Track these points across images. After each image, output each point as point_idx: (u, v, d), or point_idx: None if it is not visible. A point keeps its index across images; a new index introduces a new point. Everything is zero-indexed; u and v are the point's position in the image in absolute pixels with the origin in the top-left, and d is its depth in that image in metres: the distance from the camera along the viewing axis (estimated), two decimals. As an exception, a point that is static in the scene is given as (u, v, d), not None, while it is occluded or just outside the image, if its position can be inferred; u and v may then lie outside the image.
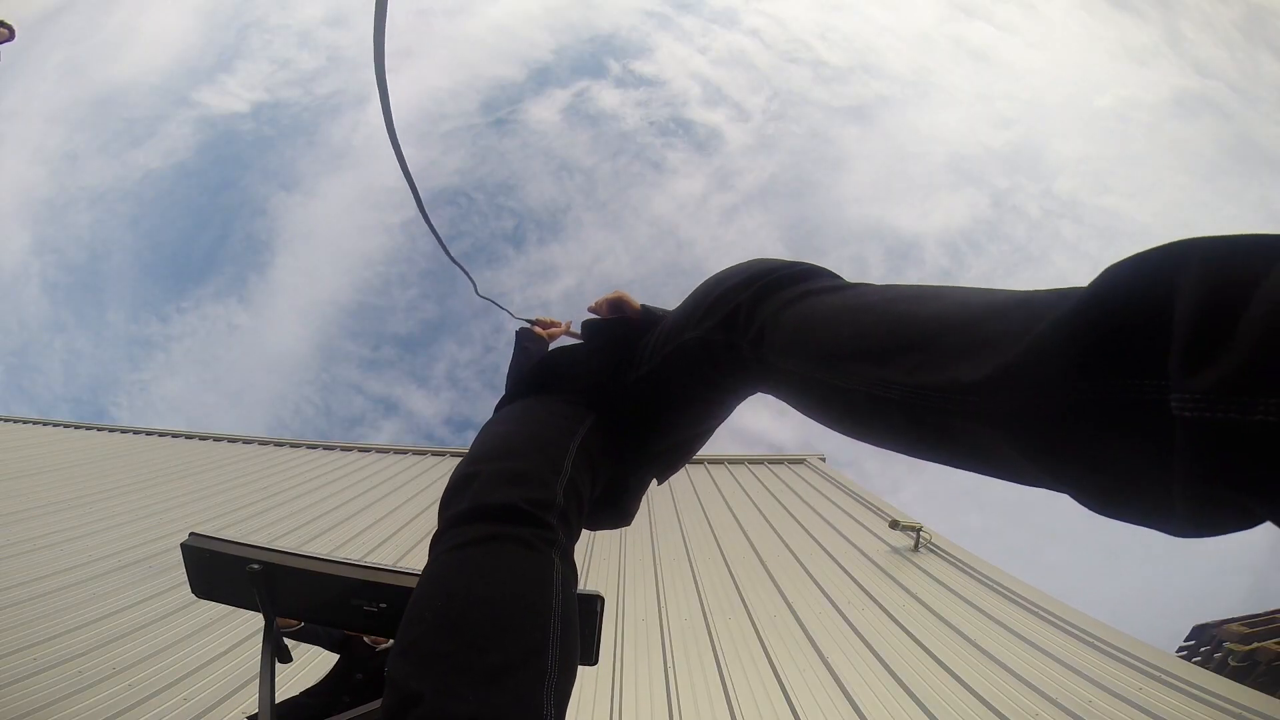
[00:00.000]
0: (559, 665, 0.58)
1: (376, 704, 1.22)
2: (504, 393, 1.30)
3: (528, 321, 1.51)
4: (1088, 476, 0.40)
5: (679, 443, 1.07)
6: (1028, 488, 0.48)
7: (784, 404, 0.76)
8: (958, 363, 0.46)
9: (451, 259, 1.52)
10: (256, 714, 1.19)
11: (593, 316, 1.33)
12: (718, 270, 0.90)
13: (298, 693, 1.84)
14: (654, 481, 1.12)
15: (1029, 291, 0.48)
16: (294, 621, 1.53)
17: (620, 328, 1.07)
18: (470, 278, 1.74)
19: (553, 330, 1.50)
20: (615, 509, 1.06)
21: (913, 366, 0.50)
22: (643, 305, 1.31)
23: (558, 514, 0.70)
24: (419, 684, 0.53)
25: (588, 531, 1.03)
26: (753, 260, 0.84)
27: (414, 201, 1.24)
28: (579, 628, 0.65)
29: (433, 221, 1.33)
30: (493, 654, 0.54)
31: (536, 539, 0.65)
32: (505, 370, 1.47)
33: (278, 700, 1.63)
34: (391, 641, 1.75)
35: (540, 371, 1.06)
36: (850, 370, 0.57)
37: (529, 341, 1.42)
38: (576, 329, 1.61)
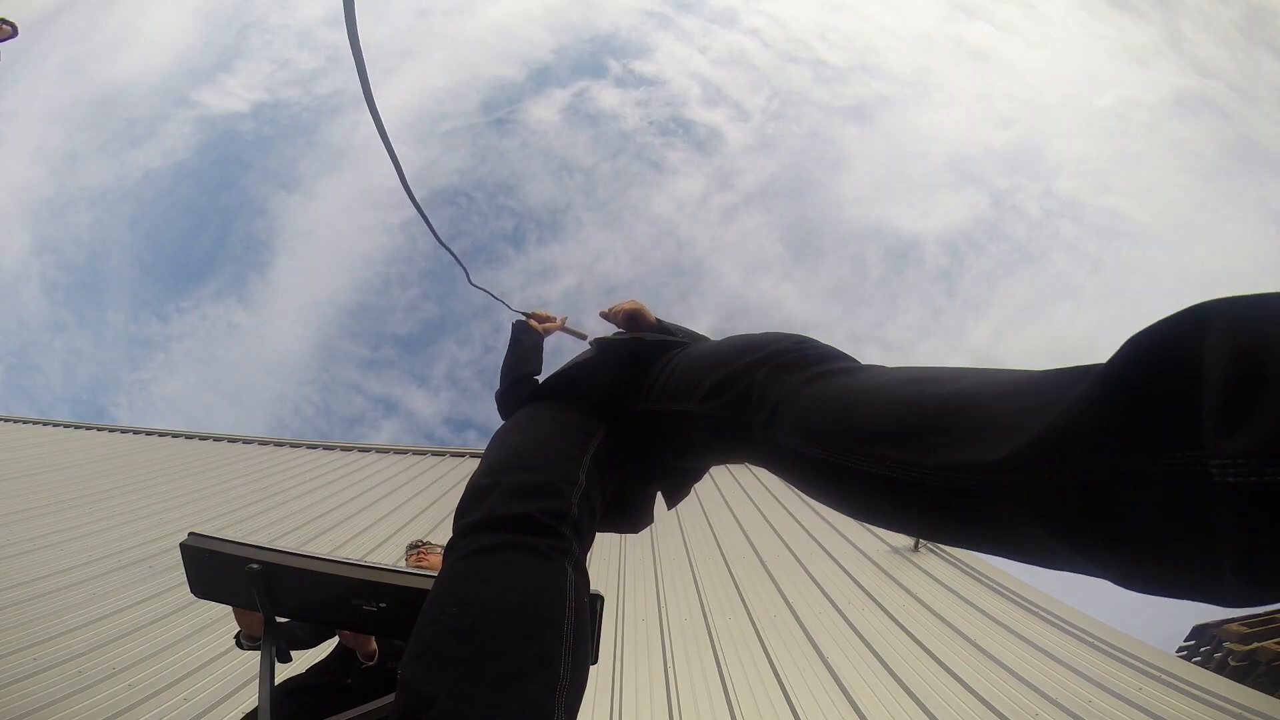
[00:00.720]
0: (571, 673, 0.58)
1: (377, 704, 1.22)
2: (499, 385, 1.30)
3: (523, 315, 1.49)
4: (1124, 553, 0.38)
5: (684, 469, 1.08)
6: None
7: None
8: (980, 442, 0.45)
9: (443, 245, 1.50)
10: (255, 710, 1.19)
11: (608, 330, 1.33)
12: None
13: (302, 671, 1.83)
14: (665, 503, 1.14)
15: (1050, 370, 0.47)
16: (255, 634, 1.51)
17: (635, 348, 1.08)
18: (463, 266, 1.72)
19: (548, 325, 1.49)
20: (622, 518, 1.08)
21: (933, 446, 0.49)
22: (658, 320, 1.31)
23: (571, 525, 0.71)
24: (433, 688, 0.54)
25: None
26: (770, 334, 0.84)
27: (400, 183, 1.24)
28: (589, 634, 0.67)
29: (421, 207, 1.33)
30: (505, 660, 0.55)
31: (550, 549, 0.66)
32: (514, 324, 1.46)
33: (279, 682, 1.63)
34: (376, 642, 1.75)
35: (555, 381, 1.07)
36: (868, 452, 0.55)
37: (523, 334, 1.41)
38: (573, 325, 1.61)
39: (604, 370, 1.05)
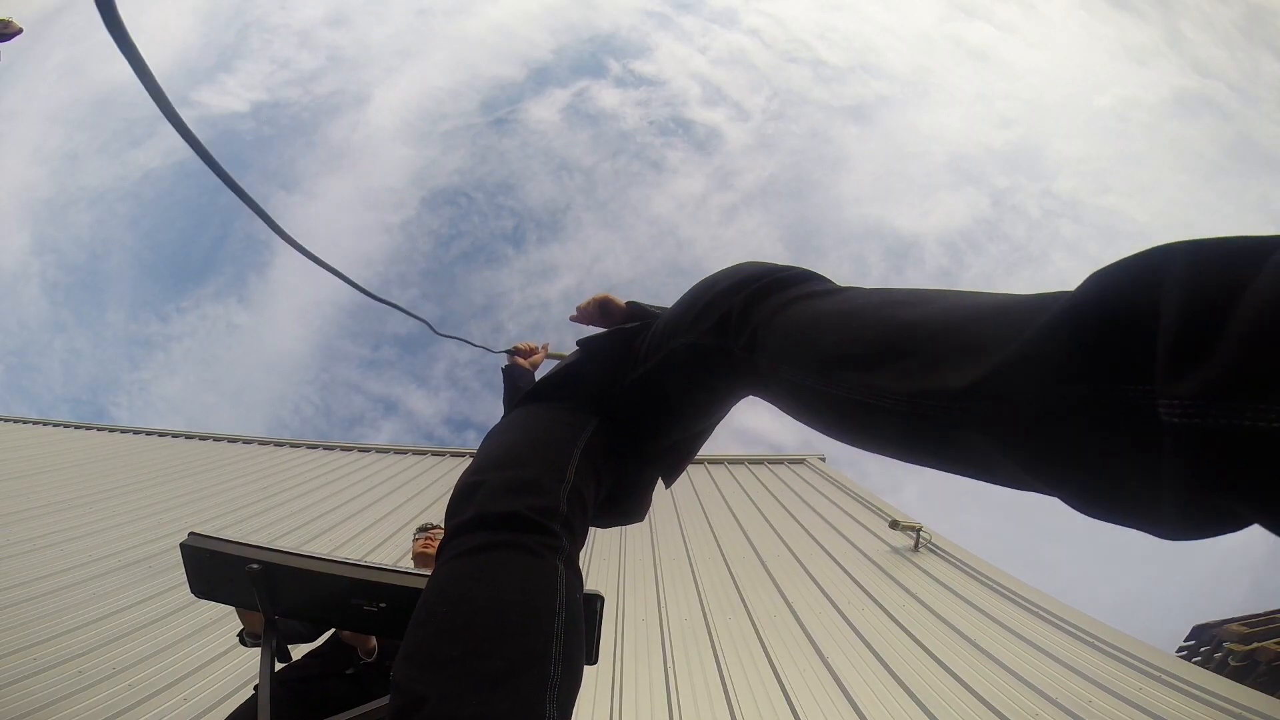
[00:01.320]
0: (562, 669, 0.59)
1: (377, 704, 1.22)
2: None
3: (506, 352, 1.54)
4: (1076, 481, 0.41)
5: (679, 442, 1.07)
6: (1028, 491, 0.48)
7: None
8: (946, 369, 0.47)
9: (405, 311, 1.53)
10: (244, 705, 1.19)
11: (586, 331, 1.34)
12: (711, 272, 0.91)
13: (298, 659, 1.82)
14: (660, 483, 1.13)
15: (1017, 295, 0.48)
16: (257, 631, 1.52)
17: (614, 338, 1.08)
18: (425, 321, 1.74)
19: (535, 359, 1.55)
20: (621, 508, 1.08)
21: (902, 373, 0.51)
22: (629, 302, 1.31)
23: (561, 521, 0.71)
24: (424, 688, 0.54)
25: (590, 530, 1.04)
26: (744, 263, 0.85)
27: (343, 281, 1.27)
28: (582, 631, 0.66)
29: (370, 289, 1.37)
30: (496, 659, 0.55)
31: (541, 546, 0.66)
32: (504, 369, 1.50)
33: (277, 669, 1.63)
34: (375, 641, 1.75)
35: (542, 384, 1.07)
36: (842, 378, 0.57)
37: (517, 376, 1.47)
38: (555, 349, 1.66)
39: (588, 364, 1.05)
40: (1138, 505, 0.37)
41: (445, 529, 0.72)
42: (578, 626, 0.64)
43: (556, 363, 1.46)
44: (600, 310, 1.31)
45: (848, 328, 0.59)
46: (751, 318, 0.72)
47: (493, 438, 0.92)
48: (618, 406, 0.99)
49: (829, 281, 0.74)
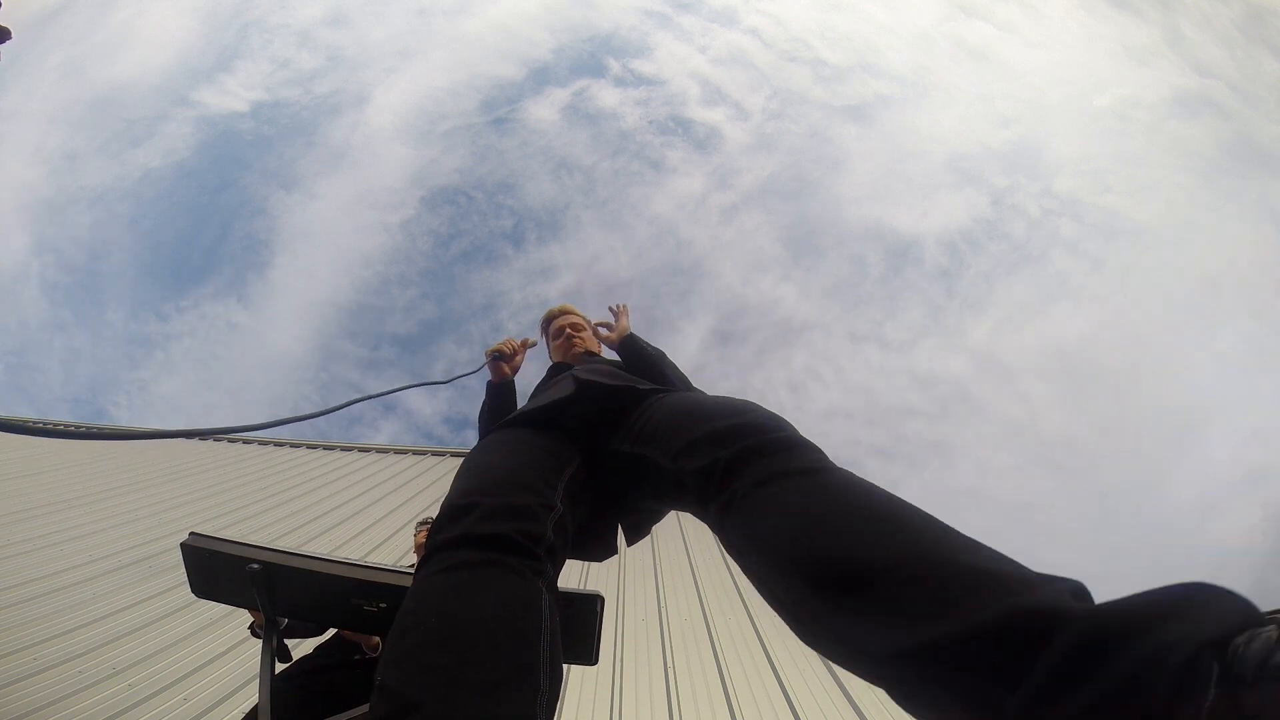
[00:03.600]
0: (549, 684, 0.61)
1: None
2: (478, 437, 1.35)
3: (489, 360, 1.48)
4: None
5: (648, 510, 1.12)
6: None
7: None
8: (877, 623, 0.53)
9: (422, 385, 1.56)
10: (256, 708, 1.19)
11: (594, 364, 1.40)
12: (712, 396, 0.96)
13: (309, 653, 1.81)
14: (625, 540, 1.16)
15: (967, 563, 0.53)
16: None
17: (617, 394, 1.11)
18: (430, 382, 1.76)
19: (517, 360, 1.53)
20: (587, 546, 1.10)
21: (836, 609, 0.57)
22: (642, 343, 1.45)
23: (546, 548, 0.73)
24: (417, 692, 0.55)
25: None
26: (746, 408, 0.87)
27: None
28: (561, 653, 0.68)
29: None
30: (488, 669, 0.57)
31: (526, 568, 0.68)
32: (490, 383, 1.47)
33: (280, 670, 1.63)
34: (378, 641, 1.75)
35: (533, 411, 1.10)
36: (789, 583, 0.62)
37: (504, 389, 1.47)
38: (536, 340, 1.66)
39: (585, 406, 1.08)
40: None
41: (428, 545, 0.72)
42: (559, 646, 0.67)
43: (548, 384, 1.45)
44: (622, 330, 1.49)
45: (810, 536, 0.62)
46: (733, 480, 0.74)
47: (479, 458, 0.93)
48: (599, 459, 1.02)
49: (820, 455, 0.76)
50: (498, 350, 1.48)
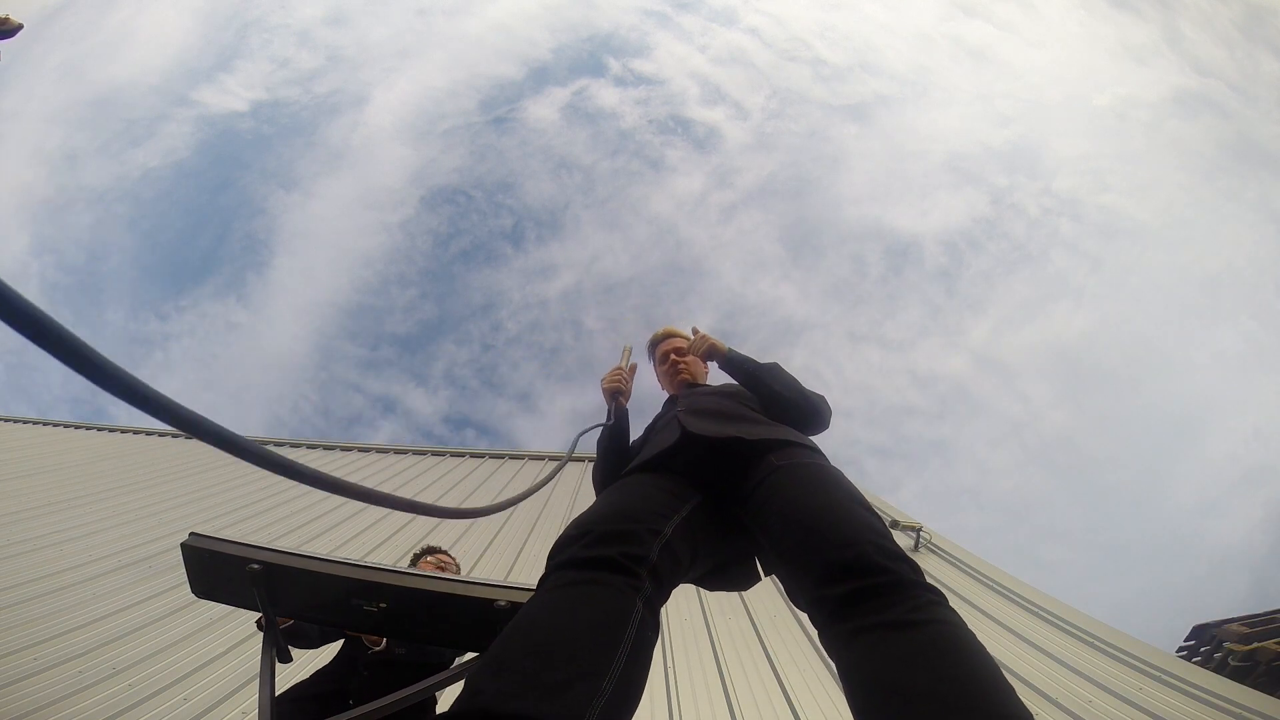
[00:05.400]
0: (615, 688, 0.65)
1: (376, 704, 1.22)
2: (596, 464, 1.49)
3: (610, 398, 1.53)
4: None
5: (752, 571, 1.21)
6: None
7: None
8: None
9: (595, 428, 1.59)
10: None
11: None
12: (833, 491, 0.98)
13: (306, 678, 1.83)
14: (761, 570, 1.21)
15: None
16: (288, 619, 1.54)
17: (726, 448, 1.15)
18: (594, 426, 1.74)
19: (629, 389, 1.59)
20: (728, 576, 1.18)
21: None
22: (729, 351, 1.51)
23: (649, 568, 0.80)
24: (486, 683, 0.62)
25: None
26: (855, 535, 0.86)
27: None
28: (647, 663, 0.73)
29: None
30: (559, 672, 0.63)
31: (626, 586, 0.76)
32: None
33: (282, 691, 1.63)
34: (385, 642, 1.75)
35: (656, 458, 1.16)
36: None
37: (621, 420, 1.51)
38: (635, 358, 1.71)
39: (694, 462, 1.13)
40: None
41: (547, 565, 0.82)
42: (643, 659, 0.72)
43: (660, 425, 1.46)
44: (709, 351, 1.52)
45: (889, 708, 0.65)
46: (839, 619, 0.77)
47: (603, 497, 1.03)
48: (722, 505, 1.08)
49: (926, 597, 0.77)
50: (616, 388, 1.55)
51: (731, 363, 1.49)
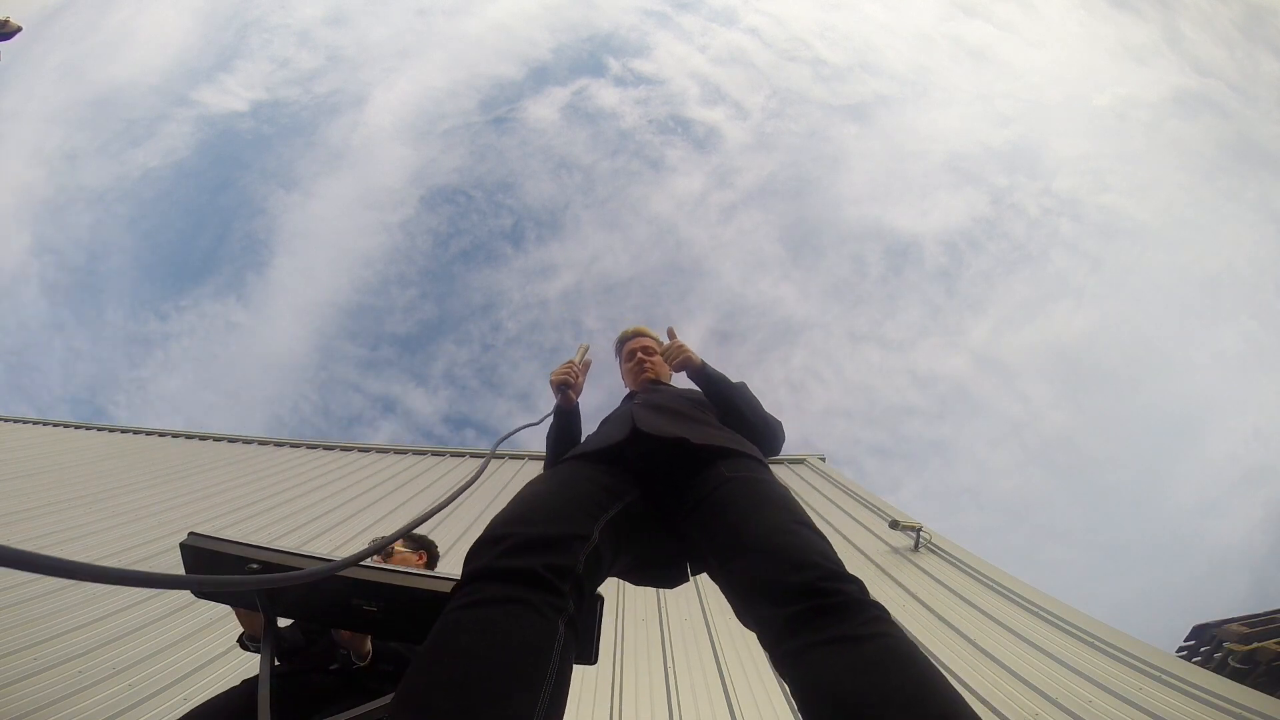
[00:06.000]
0: None
1: (376, 704, 1.22)
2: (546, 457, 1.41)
3: (557, 391, 1.49)
4: None
5: (680, 573, 1.17)
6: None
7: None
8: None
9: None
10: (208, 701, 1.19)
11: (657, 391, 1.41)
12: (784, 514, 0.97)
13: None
14: (690, 570, 1.20)
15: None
16: (257, 635, 1.53)
17: (679, 449, 1.13)
18: (524, 426, 1.69)
19: (579, 384, 1.52)
20: (653, 574, 1.16)
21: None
22: (703, 364, 1.46)
23: (574, 582, 0.77)
24: None
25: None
26: (803, 558, 0.87)
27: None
28: (566, 694, 0.71)
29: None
30: (483, 717, 0.60)
31: (547, 605, 0.72)
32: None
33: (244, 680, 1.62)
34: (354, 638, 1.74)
35: (594, 449, 1.13)
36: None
37: (563, 412, 1.47)
38: (592, 359, 1.65)
39: (640, 458, 1.11)
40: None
41: (463, 571, 0.76)
42: (564, 689, 0.70)
43: (614, 417, 1.43)
44: (683, 362, 1.46)
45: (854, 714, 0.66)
46: (788, 639, 0.77)
47: (531, 486, 0.97)
48: (662, 502, 1.06)
49: (872, 613, 0.78)
50: (564, 380, 1.48)
51: (703, 374, 1.45)
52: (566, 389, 1.47)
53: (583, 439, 1.44)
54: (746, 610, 0.87)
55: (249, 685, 1.65)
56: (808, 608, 0.78)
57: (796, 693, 0.75)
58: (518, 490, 0.99)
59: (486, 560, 0.75)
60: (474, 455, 7.43)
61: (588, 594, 0.80)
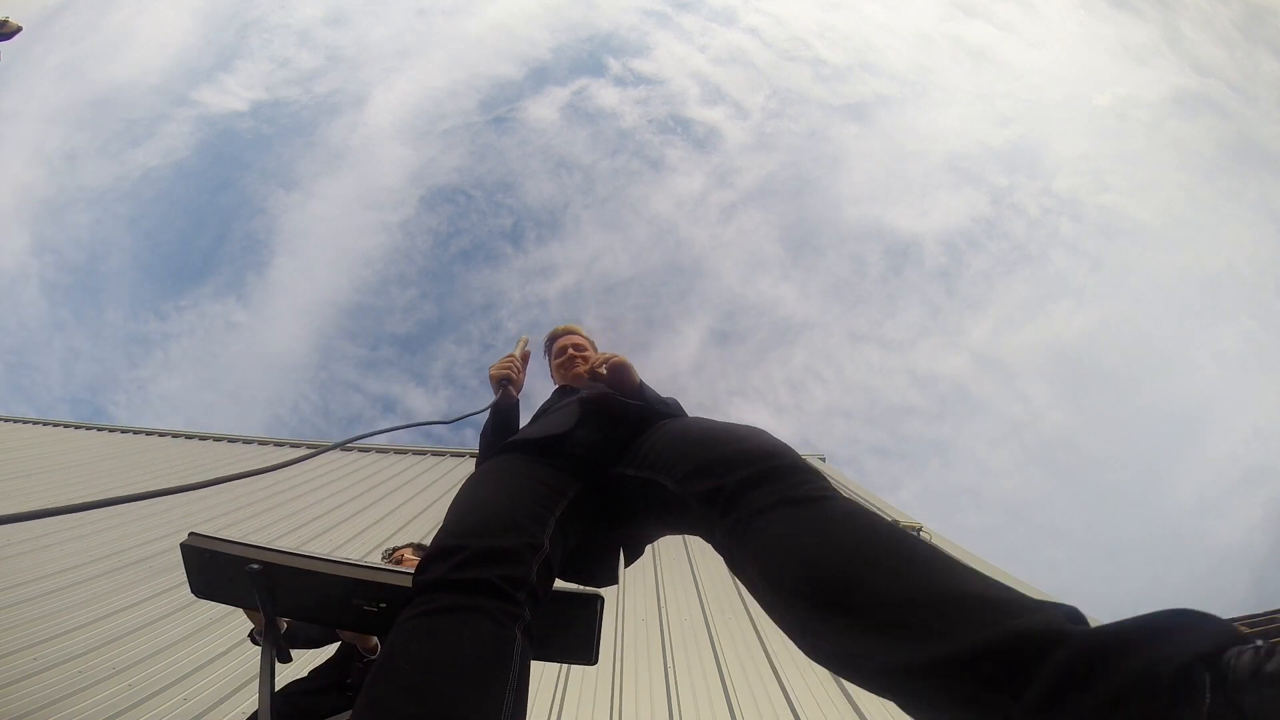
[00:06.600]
0: None
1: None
2: (478, 455, 1.32)
3: (493, 380, 1.41)
4: None
5: (650, 534, 1.13)
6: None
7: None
8: (886, 641, 0.56)
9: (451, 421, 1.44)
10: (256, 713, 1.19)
11: (594, 387, 1.31)
12: (718, 419, 0.97)
13: (305, 674, 1.84)
14: (624, 560, 1.16)
15: (966, 591, 0.56)
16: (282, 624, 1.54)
17: (627, 413, 1.11)
18: (433, 422, 1.56)
19: (520, 379, 1.46)
20: (584, 569, 1.10)
21: (843, 629, 0.59)
22: (641, 382, 1.33)
23: (528, 591, 0.75)
24: None
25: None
26: (751, 434, 0.89)
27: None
28: (526, 699, 0.71)
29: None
30: None
31: (503, 613, 0.70)
32: (495, 404, 1.40)
33: (281, 686, 1.64)
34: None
35: (530, 440, 1.09)
36: (796, 607, 0.65)
37: (507, 411, 1.39)
38: (530, 347, 1.58)
39: (591, 429, 1.07)
40: None
41: (414, 584, 0.75)
42: (524, 697, 0.69)
43: (553, 408, 1.34)
44: (615, 373, 1.31)
45: (816, 562, 0.65)
46: (738, 505, 0.76)
47: (471, 492, 0.93)
48: (602, 484, 1.02)
49: (823, 482, 0.78)
50: (505, 375, 1.41)
51: (641, 396, 1.33)
52: (508, 384, 1.40)
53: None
54: (688, 498, 0.86)
55: (319, 675, 1.68)
56: (750, 474, 0.78)
57: (749, 562, 0.72)
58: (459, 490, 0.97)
59: (440, 573, 0.73)
60: (473, 455, 7.44)
61: (541, 602, 0.79)
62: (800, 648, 0.67)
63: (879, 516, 0.70)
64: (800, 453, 0.85)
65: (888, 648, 0.55)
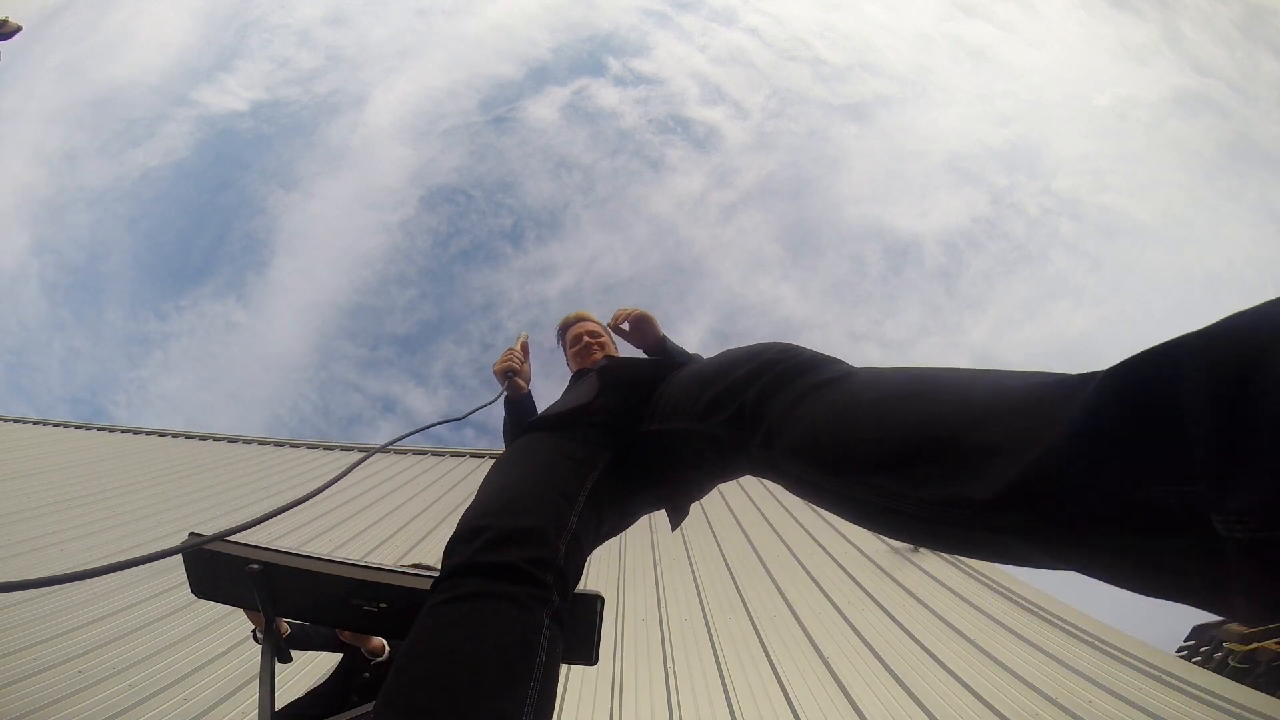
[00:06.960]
0: None
1: (359, 711, 1.22)
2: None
3: (499, 375, 1.39)
4: (1126, 575, 0.40)
5: (690, 484, 1.10)
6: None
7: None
8: (969, 476, 0.47)
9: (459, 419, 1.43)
10: None
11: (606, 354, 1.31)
12: (726, 349, 0.94)
13: (303, 693, 1.84)
14: (670, 524, 1.15)
15: (1029, 380, 0.48)
16: (286, 627, 1.54)
17: (642, 377, 1.10)
18: (451, 419, 1.60)
19: (526, 370, 1.43)
20: (616, 530, 1.09)
21: (923, 479, 0.52)
22: (664, 335, 1.34)
23: (556, 573, 0.73)
24: None
25: None
26: (754, 349, 0.87)
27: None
28: (556, 688, 0.68)
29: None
30: (472, 717, 0.58)
31: (530, 599, 0.68)
32: (505, 399, 1.38)
33: (279, 707, 1.63)
34: (389, 648, 1.74)
35: (555, 415, 1.08)
36: (862, 481, 0.59)
37: (521, 404, 1.38)
38: (529, 344, 1.56)
39: (613, 397, 1.07)
40: (1199, 594, 0.37)
41: (443, 567, 0.73)
42: (553, 683, 0.67)
43: (573, 389, 1.36)
44: (635, 325, 1.33)
45: (862, 426, 0.60)
46: (766, 412, 0.74)
47: (500, 472, 0.92)
48: (631, 449, 1.01)
49: (840, 364, 0.76)
50: (508, 367, 1.39)
51: (664, 350, 1.35)
52: (513, 375, 1.38)
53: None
54: (721, 445, 0.84)
55: (316, 700, 1.67)
56: (762, 386, 0.76)
57: (798, 477, 0.69)
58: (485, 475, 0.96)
59: (465, 556, 0.71)
60: (473, 455, 7.43)
61: (571, 584, 0.77)
62: (898, 534, 0.60)
63: (901, 368, 0.66)
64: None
65: (982, 474, 0.46)
